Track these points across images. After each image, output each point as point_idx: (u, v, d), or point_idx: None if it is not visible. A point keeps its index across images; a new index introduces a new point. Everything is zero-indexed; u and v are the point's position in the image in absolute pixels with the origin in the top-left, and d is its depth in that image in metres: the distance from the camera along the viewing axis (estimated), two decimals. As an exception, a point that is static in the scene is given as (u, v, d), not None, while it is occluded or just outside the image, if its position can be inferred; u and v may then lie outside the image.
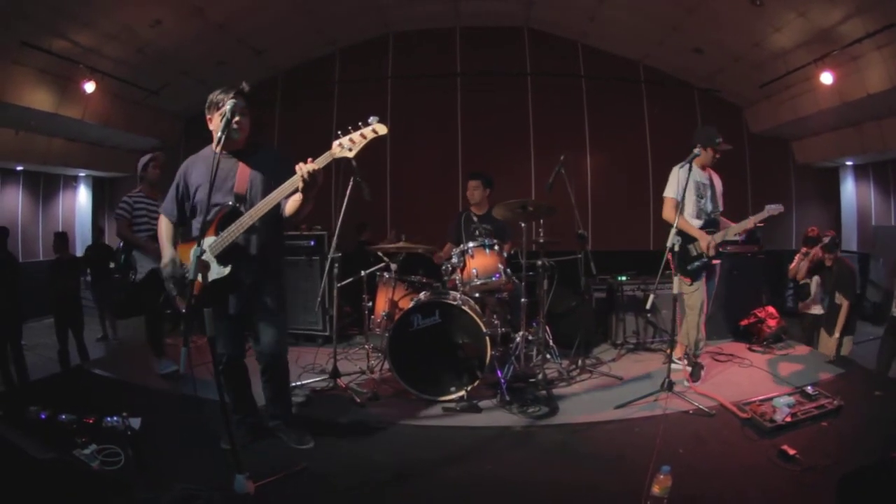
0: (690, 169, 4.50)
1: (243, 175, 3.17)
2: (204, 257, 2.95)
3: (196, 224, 3.23)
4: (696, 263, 4.59)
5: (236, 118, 3.05)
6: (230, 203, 3.11)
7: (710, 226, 4.68)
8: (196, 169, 3.28)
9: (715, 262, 4.70)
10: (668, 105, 9.65)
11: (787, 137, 9.48)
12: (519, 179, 9.44)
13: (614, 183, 9.73)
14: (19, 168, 9.61)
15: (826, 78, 6.80)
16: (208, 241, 3.02)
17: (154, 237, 4.78)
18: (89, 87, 7.06)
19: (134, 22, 6.83)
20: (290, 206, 3.10)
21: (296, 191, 2.91)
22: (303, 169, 2.82)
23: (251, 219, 2.98)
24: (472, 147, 9.69)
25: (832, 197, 9.99)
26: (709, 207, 4.76)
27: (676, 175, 4.69)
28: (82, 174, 10.76)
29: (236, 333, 3.34)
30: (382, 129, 2.85)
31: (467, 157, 9.66)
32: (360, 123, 2.85)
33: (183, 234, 3.48)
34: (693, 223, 4.67)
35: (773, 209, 4.46)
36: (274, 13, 7.85)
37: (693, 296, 4.64)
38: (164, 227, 3.42)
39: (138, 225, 4.99)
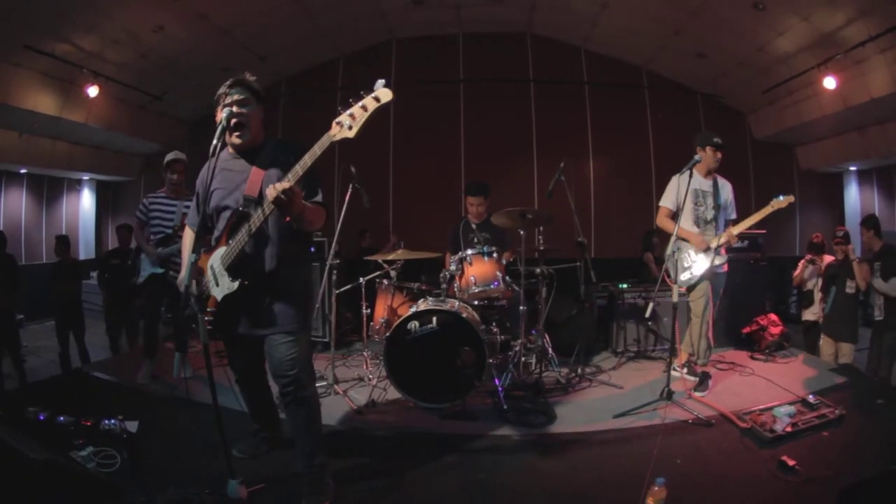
0: (691, 175, 4.31)
1: (256, 176, 2.80)
2: (216, 269, 2.80)
3: (216, 233, 2.91)
4: (690, 273, 4.54)
5: (234, 120, 2.76)
6: (239, 208, 2.78)
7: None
8: (209, 172, 2.85)
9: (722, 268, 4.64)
10: (671, 111, 9.63)
11: (790, 143, 9.45)
12: (521, 185, 9.45)
13: (617, 189, 9.71)
14: (23, 171, 9.64)
15: (829, 82, 6.78)
16: (221, 251, 2.79)
17: (164, 240, 4.83)
18: (93, 91, 7.09)
19: (137, 27, 6.85)
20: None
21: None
22: (270, 193, 2.48)
23: (254, 225, 2.67)
24: (474, 153, 9.70)
25: (836, 202, 9.93)
26: (708, 216, 4.65)
27: (674, 183, 4.67)
28: (86, 178, 10.80)
29: (250, 355, 3.07)
30: (386, 95, 2.51)
31: (470, 162, 9.67)
32: (361, 93, 2.49)
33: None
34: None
35: (778, 202, 4.30)
36: (278, 19, 7.89)
37: (697, 303, 4.58)
38: (187, 237, 3.20)
39: (152, 227, 4.91)
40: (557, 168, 4.98)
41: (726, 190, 4.77)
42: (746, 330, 5.89)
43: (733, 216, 4.78)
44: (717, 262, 4.54)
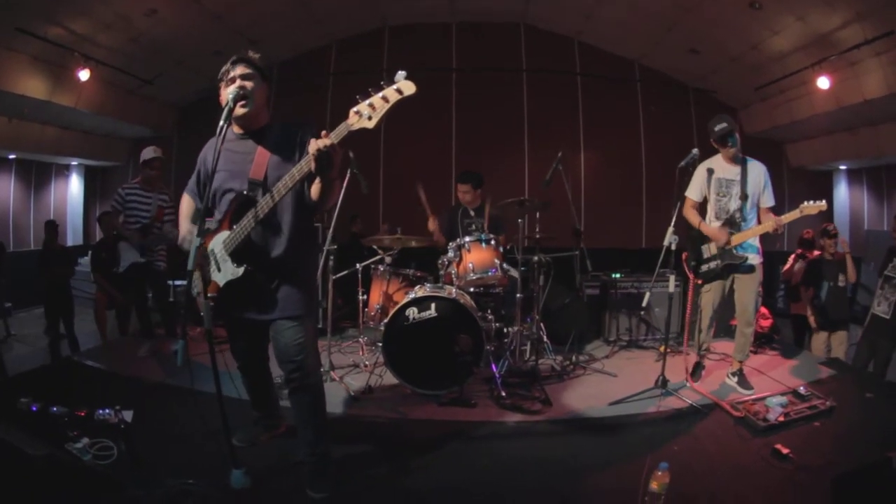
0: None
1: (261, 158, 2.71)
2: (218, 254, 2.71)
3: (217, 215, 2.81)
4: (710, 265, 4.45)
5: (241, 102, 2.66)
6: (244, 191, 2.69)
7: (729, 227, 4.37)
8: (214, 153, 2.68)
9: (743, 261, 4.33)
10: (663, 104, 9.66)
11: (780, 140, 9.50)
12: (513, 175, 9.47)
13: (607, 181, 9.74)
14: (12, 156, 9.49)
15: (823, 82, 6.79)
16: (222, 235, 2.70)
17: (142, 229, 4.92)
18: (84, 74, 6.98)
19: (129, 11, 6.75)
20: (315, 190, 2.66)
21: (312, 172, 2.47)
22: (313, 146, 2.38)
23: (265, 208, 2.58)
24: (465, 141, 9.67)
25: (825, 200, 9.98)
26: (731, 206, 4.38)
27: (700, 172, 4.48)
28: (74, 163, 10.64)
29: (253, 341, 3.05)
30: (409, 88, 2.42)
31: (461, 151, 9.64)
32: (382, 83, 2.40)
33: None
34: (713, 224, 4.48)
35: (808, 207, 4.10)
36: (271, 4, 7.81)
37: (704, 296, 4.58)
38: (186, 205, 3.06)
39: (129, 217, 5.05)
40: (551, 158, 5.01)
41: (755, 174, 4.39)
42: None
43: (769, 204, 4.40)
44: (734, 259, 4.35)
